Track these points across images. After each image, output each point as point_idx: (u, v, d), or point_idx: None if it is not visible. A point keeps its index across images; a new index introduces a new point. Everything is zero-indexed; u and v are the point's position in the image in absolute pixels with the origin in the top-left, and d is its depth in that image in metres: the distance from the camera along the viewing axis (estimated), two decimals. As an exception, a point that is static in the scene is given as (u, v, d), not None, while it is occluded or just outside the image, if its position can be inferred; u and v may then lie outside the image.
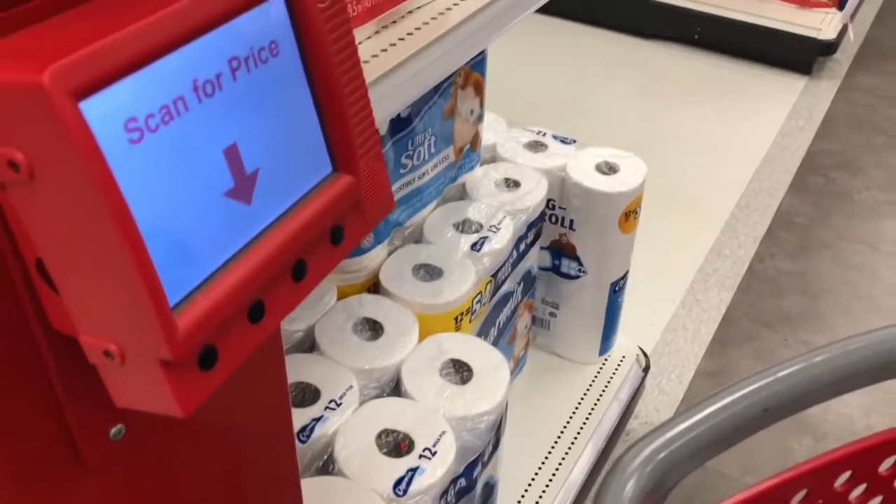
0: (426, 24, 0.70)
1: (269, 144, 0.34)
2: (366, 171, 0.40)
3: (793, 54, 2.56)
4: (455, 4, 0.74)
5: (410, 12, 0.72)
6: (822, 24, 2.52)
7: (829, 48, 2.53)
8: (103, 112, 0.27)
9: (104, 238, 0.28)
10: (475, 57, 1.12)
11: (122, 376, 0.33)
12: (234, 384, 0.50)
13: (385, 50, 0.65)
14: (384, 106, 0.63)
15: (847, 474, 0.62)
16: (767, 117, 2.39)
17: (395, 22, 0.69)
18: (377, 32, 0.68)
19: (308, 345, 0.98)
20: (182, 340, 0.31)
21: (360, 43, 0.65)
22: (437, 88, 1.06)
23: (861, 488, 0.64)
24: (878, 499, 0.65)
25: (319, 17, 0.35)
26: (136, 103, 0.28)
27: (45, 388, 0.38)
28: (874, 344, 0.54)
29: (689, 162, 2.19)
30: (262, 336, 0.36)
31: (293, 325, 0.97)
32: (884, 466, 0.63)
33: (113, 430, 0.42)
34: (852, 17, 2.67)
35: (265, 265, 0.34)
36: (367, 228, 0.42)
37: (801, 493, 0.60)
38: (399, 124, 1.02)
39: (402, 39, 0.67)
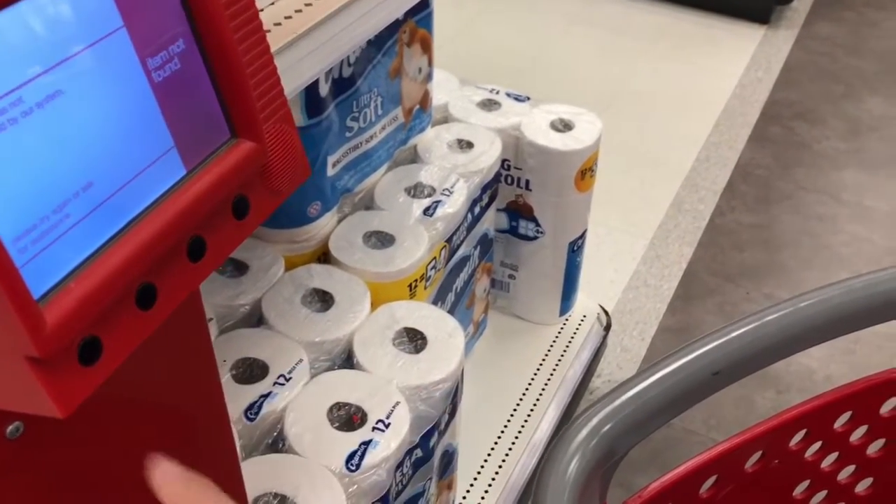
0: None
1: (136, 117, 0.30)
2: (272, 135, 0.37)
3: (750, 4, 2.53)
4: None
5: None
6: (779, -27, 2.49)
7: (787, -3, 2.51)
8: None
9: (-60, 223, 0.24)
10: (420, 11, 1.08)
11: (-10, 376, 0.29)
12: (149, 361, 0.47)
13: (310, 4, 0.60)
14: (311, 63, 0.59)
15: (803, 433, 0.61)
16: (726, 69, 2.37)
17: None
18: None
19: (255, 319, 0.95)
20: (51, 334, 0.27)
21: (282, -2, 0.61)
22: (380, 46, 1.02)
23: (817, 445, 0.63)
24: (834, 455, 0.64)
25: (201, -36, 0.31)
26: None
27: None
28: (824, 300, 0.52)
29: (648, 117, 2.16)
30: (156, 323, 0.32)
31: (239, 300, 0.94)
32: (839, 423, 0.62)
33: (10, 429, 0.39)
34: (810, -36, 2.64)
35: (150, 244, 0.31)
36: (278, 199, 0.38)
37: (758, 454, 0.59)
38: (342, 85, 0.98)
39: (329, -8, 0.63)
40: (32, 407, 0.29)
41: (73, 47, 0.28)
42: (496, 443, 1.23)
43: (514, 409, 1.28)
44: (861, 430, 0.64)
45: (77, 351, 0.29)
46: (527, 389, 1.31)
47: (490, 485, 1.18)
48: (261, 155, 0.36)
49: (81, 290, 0.29)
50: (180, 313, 0.47)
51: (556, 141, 1.21)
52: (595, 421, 0.45)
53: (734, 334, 0.51)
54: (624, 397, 0.46)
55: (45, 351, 0.27)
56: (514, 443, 1.24)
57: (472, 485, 1.18)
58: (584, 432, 0.45)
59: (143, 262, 0.31)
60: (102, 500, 0.46)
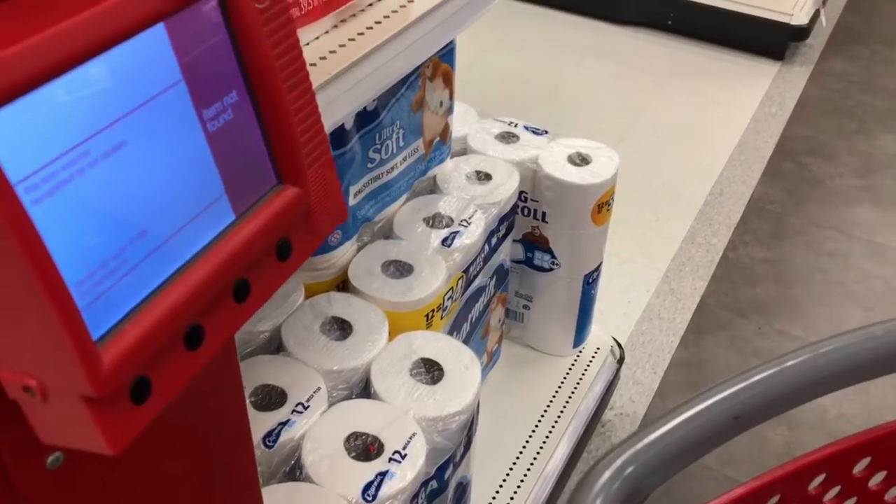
0: (387, 17, 0.67)
1: (192, 166, 0.31)
2: (314, 181, 0.38)
3: (765, 40, 2.55)
4: (418, -4, 0.71)
5: (371, 5, 0.69)
6: (794, 10, 2.51)
7: (801, 33, 2.53)
8: (3, 132, 0.25)
9: (12, 270, 0.26)
10: (443, 48, 1.10)
11: (45, 413, 0.30)
12: (183, 399, 0.48)
13: (344, 45, 0.62)
14: (346, 102, 0.61)
15: (821, 477, 0.61)
16: (740, 103, 2.38)
17: (354, 15, 0.67)
18: (336, 27, 0.65)
19: (275, 346, 0.96)
20: (108, 375, 0.29)
21: (317, 38, 0.63)
22: (404, 80, 1.04)
23: (836, 490, 0.63)
24: (853, 500, 0.64)
25: (257, 20, 0.33)
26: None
27: (-28, 418, 0.36)
28: (844, 347, 0.53)
29: (663, 149, 2.18)
30: (202, 362, 0.34)
31: (259, 326, 0.95)
32: (858, 468, 0.62)
33: (50, 459, 0.40)
34: (824, 2, 2.66)
35: (201, 288, 0.32)
36: (318, 241, 0.39)
37: (776, 498, 0.59)
38: (365, 118, 1.00)
39: (361, 34, 0.64)
40: (84, 444, 0.31)
41: (137, 100, 0.29)
42: (508, 474, 1.23)
43: (527, 441, 1.28)
44: (880, 476, 0.64)
45: (128, 390, 0.30)
46: (539, 421, 1.31)
47: (501, 516, 1.18)
48: (305, 200, 0.37)
49: (136, 332, 0.30)
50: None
51: (574, 174, 1.23)
52: (619, 463, 0.46)
53: (755, 379, 0.52)
54: (647, 440, 0.47)
55: (101, 391, 0.28)
56: (526, 474, 1.24)
57: (483, 516, 1.18)
58: (608, 474, 0.45)
59: (193, 305, 0.32)
60: (133, 529, 0.47)
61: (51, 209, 0.27)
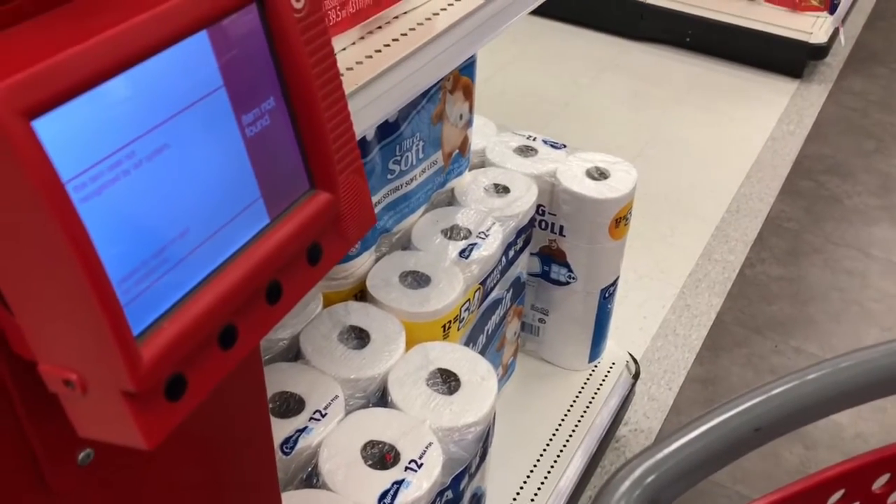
0: (412, 29, 0.69)
1: (230, 170, 0.32)
2: (345, 187, 0.39)
3: (784, 58, 2.55)
4: (443, 9, 0.73)
5: (396, 17, 0.70)
6: (813, 28, 2.52)
7: (820, 52, 2.53)
8: (57, 132, 0.26)
9: (60, 265, 0.27)
10: (464, 61, 1.11)
11: (84, 406, 0.31)
12: (210, 402, 0.49)
13: (370, 56, 0.63)
14: (369, 114, 0.62)
15: (840, 493, 0.61)
16: (758, 121, 2.38)
17: (380, 27, 0.68)
18: (362, 38, 0.66)
19: (293, 353, 0.96)
20: (147, 371, 0.29)
21: (343, 49, 0.64)
22: (425, 93, 1.05)
23: (854, 506, 0.63)
24: (871, 517, 0.64)
25: (295, 28, 0.34)
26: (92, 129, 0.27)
27: (8, 412, 0.36)
28: (867, 361, 0.53)
29: (680, 166, 2.18)
30: (234, 362, 0.34)
31: (278, 334, 0.96)
32: (877, 484, 0.62)
33: (81, 455, 0.40)
34: (843, 20, 2.66)
35: (236, 289, 0.33)
36: (347, 246, 0.40)
37: (793, 512, 0.59)
38: (386, 129, 1.01)
39: (387, 45, 0.65)
40: (121, 438, 0.31)
41: (180, 105, 0.30)
42: (522, 487, 1.23)
43: (541, 455, 1.28)
44: (898, 492, 0.64)
45: (164, 387, 0.31)
46: (554, 435, 1.31)
47: (515, 529, 1.18)
48: (336, 205, 0.38)
49: (174, 329, 0.30)
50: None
51: (592, 189, 1.23)
52: (639, 472, 0.46)
53: (777, 391, 0.52)
54: (668, 450, 0.47)
55: (140, 386, 0.29)
56: (539, 488, 1.23)
57: (497, 529, 1.17)
58: (628, 483, 0.45)
59: (228, 305, 0.32)
60: (158, 528, 0.48)
61: (97, 208, 0.27)
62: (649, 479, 0.46)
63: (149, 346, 0.30)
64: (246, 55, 0.33)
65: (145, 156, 0.29)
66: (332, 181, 0.38)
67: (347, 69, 0.61)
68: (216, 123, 0.32)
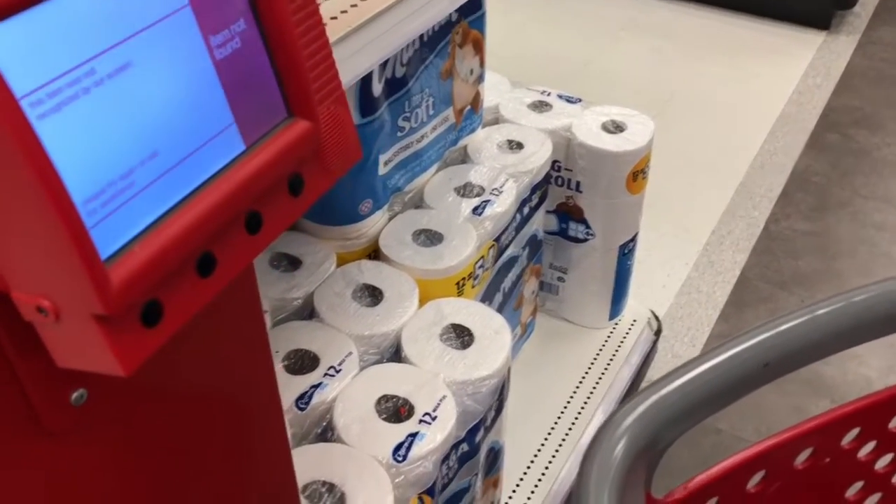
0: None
1: (199, 93, 0.31)
2: (326, 116, 0.38)
3: (810, 10, 2.48)
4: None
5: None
6: (840, -23, 2.44)
7: (847, 2, 2.46)
8: (9, 46, 0.25)
9: (18, 183, 0.26)
10: (473, 12, 1.09)
11: (59, 334, 0.31)
12: (209, 347, 0.49)
13: (355, 5, 0.62)
14: (363, 58, 0.61)
15: (856, 431, 0.59)
16: (783, 75, 2.33)
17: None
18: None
19: (307, 312, 0.96)
20: (117, 294, 0.29)
21: (335, -6, 0.62)
22: (432, 47, 1.03)
23: (871, 445, 0.62)
24: (889, 456, 0.62)
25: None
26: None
27: (-3, 352, 0.36)
28: (879, 295, 0.51)
29: (703, 122, 2.14)
30: (215, 291, 0.34)
31: (292, 293, 0.96)
32: (894, 423, 0.60)
33: (74, 395, 0.40)
34: (872, -32, 2.58)
35: (211, 215, 0.32)
36: (331, 179, 0.39)
37: (808, 451, 0.58)
38: (394, 84, 0.99)
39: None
40: (97, 365, 0.31)
41: (143, 23, 0.30)
42: (542, 445, 1.23)
43: (561, 413, 1.27)
44: (919, 433, 0.62)
45: (140, 312, 0.31)
46: (574, 393, 1.30)
47: (536, 486, 1.18)
48: (315, 134, 0.37)
49: (145, 253, 0.30)
50: (239, 303, 0.48)
51: (608, 142, 1.21)
52: (643, 407, 0.45)
53: (786, 326, 0.51)
54: (673, 385, 0.46)
55: (110, 308, 0.29)
56: (560, 446, 1.23)
57: (518, 485, 1.17)
58: (632, 417, 0.45)
59: (202, 231, 0.32)
60: (160, 471, 0.48)
61: (57, 126, 0.27)
62: (654, 414, 0.45)
63: (118, 268, 0.29)
64: (212, -25, 0.32)
65: (106, 74, 0.28)
66: (311, 109, 0.37)
67: (342, 12, 0.59)
68: (182, 43, 0.31)
